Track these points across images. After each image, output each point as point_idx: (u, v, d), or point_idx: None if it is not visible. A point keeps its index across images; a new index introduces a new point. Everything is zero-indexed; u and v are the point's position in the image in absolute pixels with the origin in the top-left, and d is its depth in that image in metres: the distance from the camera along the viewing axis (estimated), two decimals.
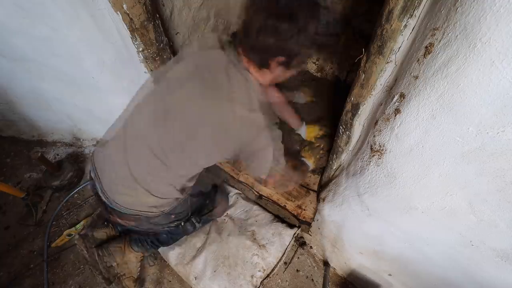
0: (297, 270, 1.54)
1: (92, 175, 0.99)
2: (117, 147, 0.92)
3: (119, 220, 1.02)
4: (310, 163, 1.44)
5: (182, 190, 0.97)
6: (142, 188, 0.90)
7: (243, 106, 0.79)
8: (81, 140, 2.00)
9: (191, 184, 1.00)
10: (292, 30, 0.72)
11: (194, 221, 1.15)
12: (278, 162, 0.95)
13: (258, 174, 0.98)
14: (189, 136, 0.83)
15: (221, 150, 0.87)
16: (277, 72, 0.84)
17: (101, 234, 1.37)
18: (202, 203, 1.26)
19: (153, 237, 1.30)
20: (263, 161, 0.92)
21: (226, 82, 0.80)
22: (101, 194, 0.97)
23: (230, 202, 1.56)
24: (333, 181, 1.20)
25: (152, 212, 0.97)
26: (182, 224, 1.13)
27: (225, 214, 1.49)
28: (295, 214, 1.31)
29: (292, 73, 0.89)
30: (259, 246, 1.35)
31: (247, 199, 1.56)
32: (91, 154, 0.97)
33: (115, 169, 0.92)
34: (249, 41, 0.78)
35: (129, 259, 1.33)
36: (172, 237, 1.33)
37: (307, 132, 1.56)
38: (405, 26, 0.63)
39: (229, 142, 0.84)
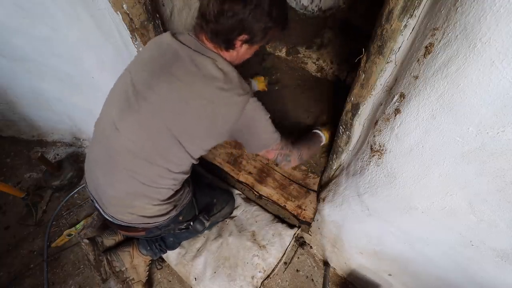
0: (297, 270, 1.54)
1: (91, 196, 0.98)
2: (102, 167, 0.90)
3: (128, 233, 1.01)
4: (325, 135, 1.34)
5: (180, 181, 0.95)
6: (142, 202, 0.90)
7: (217, 83, 0.80)
8: (81, 140, 2.00)
9: (186, 175, 0.96)
10: (248, 7, 0.76)
11: (203, 219, 1.15)
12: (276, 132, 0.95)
13: (259, 148, 0.95)
14: (177, 113, 0.81)
15: (212, 128, 0.85)
16: (243, 50, 0.88)
17: (110, 241, 1.37)
18: (209, 202, 1.26)
19: (160, 241, 1.31)
20: (262, 134, 0.91)
21: (197, 70, 0.80)
22: (104, 214, 0.96)
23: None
24: (333, 181, 1.20)
25: (159, 222, 0.97)
26: (192, 224, 1.13)
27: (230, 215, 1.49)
28: (295, 214, 1.31)
29: (256, 48, 0.92)
30: (260, 246, 1.35)
31: (247, 199, 1.55)
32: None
33: (110, 191, 0.90)
34: (211, 27, 0.80)
35: (138, 263, 1.34)
36: (178, 241, 1.35)
37: (258, 84, 1.63)
38: (405, 26, 0.63)
39: (218, 118, 0.83)
